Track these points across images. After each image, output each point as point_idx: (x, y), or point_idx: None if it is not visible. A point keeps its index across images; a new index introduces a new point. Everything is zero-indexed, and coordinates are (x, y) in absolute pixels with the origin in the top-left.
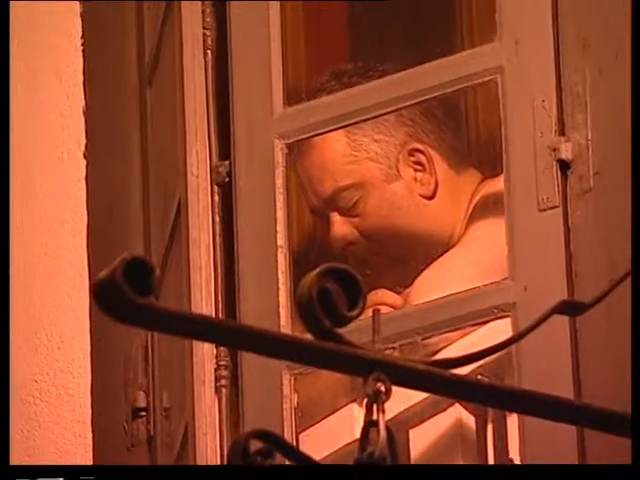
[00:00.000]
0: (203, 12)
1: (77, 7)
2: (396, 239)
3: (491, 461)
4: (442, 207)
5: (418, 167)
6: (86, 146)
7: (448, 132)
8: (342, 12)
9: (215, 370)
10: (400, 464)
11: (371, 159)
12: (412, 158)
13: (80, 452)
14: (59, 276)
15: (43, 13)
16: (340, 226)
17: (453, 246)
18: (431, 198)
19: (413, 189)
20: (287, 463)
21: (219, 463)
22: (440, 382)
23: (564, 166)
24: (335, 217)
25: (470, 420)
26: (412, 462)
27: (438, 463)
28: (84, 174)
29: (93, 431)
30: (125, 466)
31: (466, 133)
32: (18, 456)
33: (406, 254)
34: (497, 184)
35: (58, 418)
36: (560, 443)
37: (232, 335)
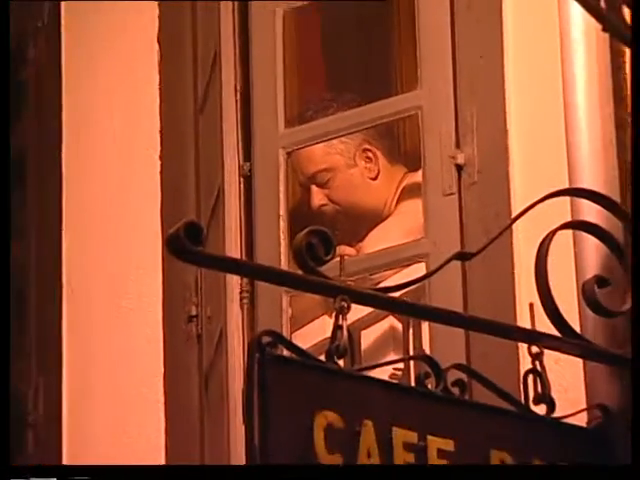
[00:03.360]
0: (234, 67)
1: (155, 54)
2: (352, 203)
3: (411, 352)
4: (381, 186)
5: (368, 160)
6: (161, 151)
7: (387, 140)
8: (321, 65)
9: (240, 292)
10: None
11: (338, 153)
12: (364, 154)
13: (154, 350)
14: (143, 236)
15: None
16: (317, 194)
17: (387, 213)
18: (375, 179)
19: (364, 173)
20: (285, 352)
21: (242, 354)
22: (381, 302)
23: (459, 168)
24: (314, 189)
25: (399, 325)
26: (362, 351)
27: (378, 353)
28: (159, 171)
29: (164, 332)
30: (118, 466)
31: (397, 143)
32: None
33: (358, 214)
34: (416, 176)
35: (134, 329)
36: (455, 339)
37: (251, 270)
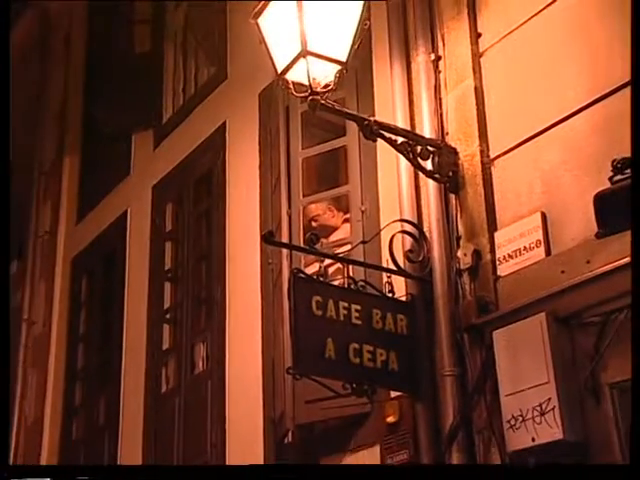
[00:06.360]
0: (286, 177)
1: (258, 178)
2: (326, 226)
3: (346, 274)
4: (335, 220)
5: (330, 211)
6: (260, 208)
7: (337, 203)
8: (315, 178)
9: (287, 254)
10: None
11: (320, 209)
12: (328, 209)
13: (257, 276)
14: (253, 237)
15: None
16: (313, 223)
17: (337, 228)
18: (333, 217)
19: (329, 215)
20: (302, 275)
21: (287, 276)
22: (336, 258)
23: (363, 212)
24: (313, 221)
25: (340, 266)
26: (328, 275)
27: (335, 275)
28: (259, 215)
29: (261, 269)
30: (117, 466)
31: (341, 204)
32: None
33: (327, 229)
34: (347, 215)
35: (250, 268)
36: (360, 270)
37: (291, 248)
